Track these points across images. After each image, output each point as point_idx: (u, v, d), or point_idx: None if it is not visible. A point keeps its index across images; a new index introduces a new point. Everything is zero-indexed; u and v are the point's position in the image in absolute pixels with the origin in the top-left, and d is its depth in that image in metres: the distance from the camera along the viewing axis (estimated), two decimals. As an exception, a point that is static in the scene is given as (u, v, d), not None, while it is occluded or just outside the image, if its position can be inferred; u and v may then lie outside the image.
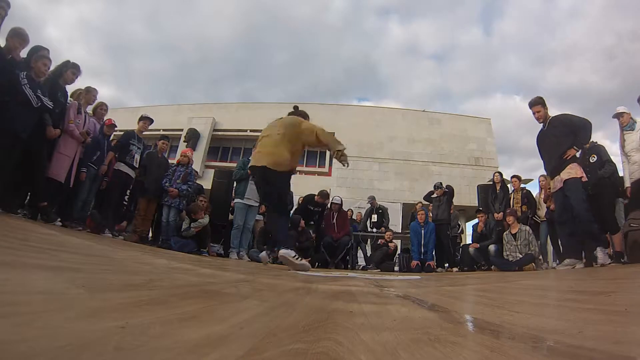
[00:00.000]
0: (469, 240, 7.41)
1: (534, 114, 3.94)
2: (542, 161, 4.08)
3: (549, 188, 5.02)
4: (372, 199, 7.60)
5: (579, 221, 3.54)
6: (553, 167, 3.84)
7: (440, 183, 6.44)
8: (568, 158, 3.68)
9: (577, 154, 3.83)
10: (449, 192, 6.30)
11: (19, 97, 3.14)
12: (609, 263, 3.48)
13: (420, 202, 7.07)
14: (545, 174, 5.18)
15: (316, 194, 6.23)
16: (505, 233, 5.00)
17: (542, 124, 3.95)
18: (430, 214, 6.53)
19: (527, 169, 66.55)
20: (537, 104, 3.92)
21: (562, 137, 3.74)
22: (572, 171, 3.65)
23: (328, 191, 6.69)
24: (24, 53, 3.52)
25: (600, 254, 3.43)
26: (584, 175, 3.72)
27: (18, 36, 3.35)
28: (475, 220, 6.22)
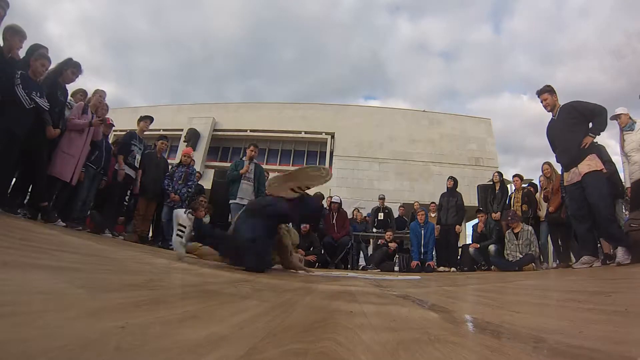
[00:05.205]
0: (468, 240, 7.41)
1: (542, 102, 3.75)
2: (553, 154, 3.81)
3: (546, 188, 5.02)
4: (382, 198, 7.60)
5: (598, 220, 3.28)
6: (568, 158, 3.53)
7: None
8: (586, 147, 3.36)
9: (595, 141, 3.50)
10: (459, 197, 6.32)
11: (14, 97, 3.13)
12: (626, 263, 3.24)
13: (417, 202, 7.08)
14: (542, 173, 5.19)
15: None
16: (507, 231, 4.97)
17: (551, 114, 3.72)
18: (432, 215, 6.53)
19: (532, 169, 66.59)
20: (545, 91, 3.73)
21: (575, 125, 3.46)
22: (592, 163, 3.34)
23: (328, 192, 6.67)
24: (23, 51, 3.50)
25: (620, 252, 3.16)
26: (604, 167, 3.44)
27: (17, 34, 3.33)
28: (476, 220, 6.22)
